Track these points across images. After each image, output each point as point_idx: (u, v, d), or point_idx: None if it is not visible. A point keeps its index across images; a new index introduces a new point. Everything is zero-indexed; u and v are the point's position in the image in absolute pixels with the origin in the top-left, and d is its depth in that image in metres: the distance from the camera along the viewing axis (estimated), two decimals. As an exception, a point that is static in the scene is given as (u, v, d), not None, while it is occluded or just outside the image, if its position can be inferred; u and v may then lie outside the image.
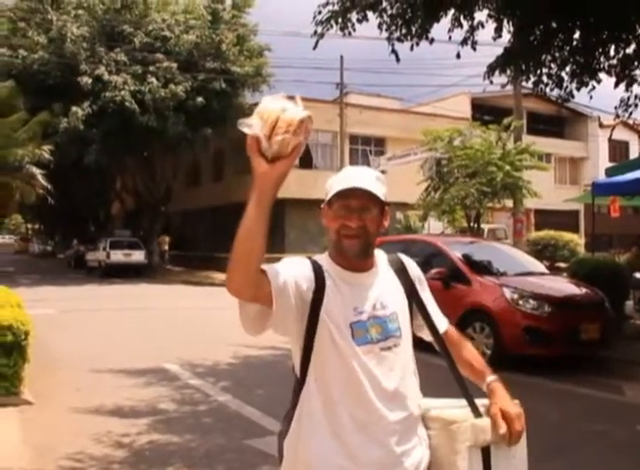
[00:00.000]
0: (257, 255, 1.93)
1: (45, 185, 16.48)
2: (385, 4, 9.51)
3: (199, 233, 41.81)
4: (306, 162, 33.15)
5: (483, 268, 10.96)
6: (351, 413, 2.13)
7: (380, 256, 2.37)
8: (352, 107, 34.34)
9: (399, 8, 9.46)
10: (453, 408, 2.32)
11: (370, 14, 9.74)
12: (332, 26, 10.18)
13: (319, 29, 9.81)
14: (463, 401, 2.31)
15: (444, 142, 21.29)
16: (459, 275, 10.61)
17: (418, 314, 2.37)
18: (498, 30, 9.94)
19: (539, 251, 27.49)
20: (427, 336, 2.44)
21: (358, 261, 2.23)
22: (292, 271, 2.09)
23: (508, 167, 19.48)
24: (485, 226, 26.91)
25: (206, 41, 30.56)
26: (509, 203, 22.39)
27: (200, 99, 29.66)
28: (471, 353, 2.46)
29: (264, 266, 1.99)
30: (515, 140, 21.79)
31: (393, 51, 9.83)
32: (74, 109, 27.64)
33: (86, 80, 28.00)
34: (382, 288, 2.26)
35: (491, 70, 10.53)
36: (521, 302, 9.77)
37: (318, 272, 2.18)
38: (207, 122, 30.72)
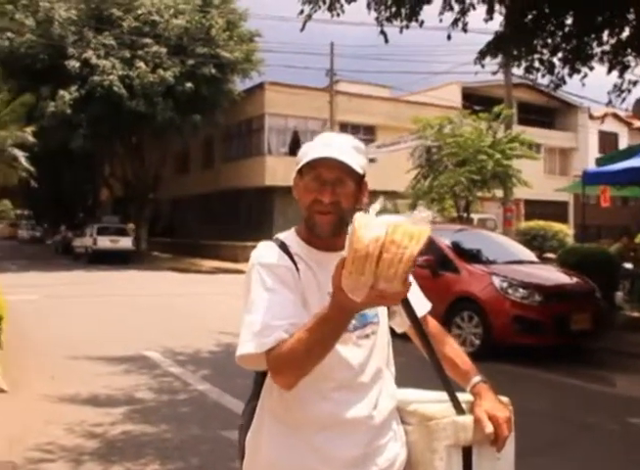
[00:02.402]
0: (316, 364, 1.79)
1: (28, 168, 16.17)
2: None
3: (187, 220, 41.57)
4: (295, 149, 32.90)
5: (472, 256, 10.77)
6: (318, 408, 1.92)
7: None
8: (342, 94, 34.05)
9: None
10: (433, 403, 2.11)
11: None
12: (319, 7, 9.94)
13: (306, 9, 9.56)
14: (444, 395, 2.10)
15: (434, 130, 21.10)
16: (447, 263, 10.41)
17: None
18: (490, 12, 9.72)
19: (528, 241, 27.28)
20: (399, 326, 2.21)
21: (331, 240, 2.00)
22: (289, 289, 1.91)
23: (498, 156, 19.34)
24: (475, 216, 26.71)
25: (196, 26, 30.19)
26: (499, 193, 22.25)
27: (189, 85, 29.33)
28: (453, 350, 2.21)
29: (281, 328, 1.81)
30: (505, 129, 21.63)
31: (382, 32, 9.59)
32: (62, 92, 27.27)
33: (74, 64, 27.65)
34: None
35: (482, 55, 10.32)
36: (510, 290, 9.58)
37: (290, 258, 1.97)
38: (197, 109, 30.43)
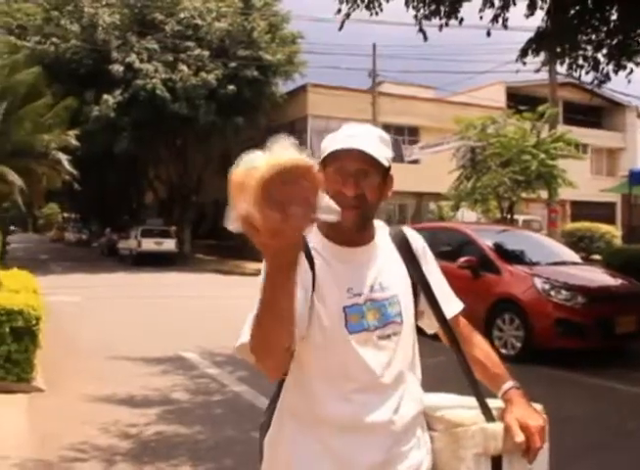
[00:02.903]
0: (289, 333, 1.58)
1: (71, 171, 16.38)
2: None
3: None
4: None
5: (515, 257, 10.55)
6: (338, 409, 1.82)
7: (380, 227, 2.03)
8: (385, 96, 33.86)
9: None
10: (461, 409, 2.00)
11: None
12: (358, 6, 9.84)
13: (343, 8, 9.47)
14: (474, 401, 1.99)
15: (477, 130, 20.83)
16: (489, 264, 10.21)
17: (422, 298, 2.02)
18: (531, 8, 9.49)
19: (574, 242, 26.80)
20: (428, 327, 2.10)
21: (353, 235, 1.91)
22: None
23: (543, 156, 19.00)
24: (520, 217, 26.36)
25: (238, 29, 30.31)
26: (544, 194, 21.89)
27: (231, 87, 29.42)
28: (484, 352, 2.10)
29: None
30: (550, 129, 21.25)
31: (421, 30, 9.45)
32: (106, 97, 27.60)
33: (117, 68, 27.97)
34: (381, 266, 1.93)
35: (524, 52, 10.10)
36: (552, 292, 9.34)
37: (307, 253, 1.85)
38: (239, 111, 30.51)
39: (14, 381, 7.31)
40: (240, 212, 1.34)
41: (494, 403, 1.99)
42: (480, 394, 1.97)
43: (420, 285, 2.00)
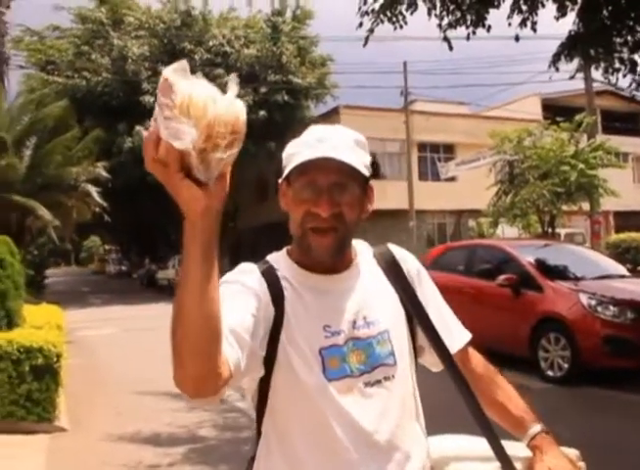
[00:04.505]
0: (216, 330, 1.25)
1: (101, 203, 16.35)
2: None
3: (270, 248, 41.32)
4: (374, 171, 32.51)
5: (558, 273, 10.03)
6: None
7: (360, 248, 1.68)
8: (419, 114, 33.47)
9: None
10: (476, 461, 1.62)
11: (420, 2, 9.01)
12: (381, 21, 9.52)
13: (365, 22, 9.15)
14: (489, 450, 1.60)
15: (513, 143, 20.35)
16: (530, 281, 9.70)
17: (420, 330, 1.65)
18: (561, 9, 9.05)
19: (620, 254, 25.93)
20: (432, 365, 1.71)
21: (328, 261, 1.55)
22: (243, 306, 1.42)
23: (582, 166, 18.40)
24: (562, 231, 25.65)
25: (267, 54, 30.36)
26: (586, 206, 21.26)
27: (262, 112, 29.40)
28: (504, 392, 1.71)
29: None
30: (588, 138, 20.66)
31: (445, 39, 9.07)
32: (138, 128, 27.72)
33: (148, 99, 28.10)
34: (365, 295, 1.57)
35: (556, 57, 9.66)
36: (599, 308, 8.81)
37: (273, 284, 1.51)
38: (271, 136, 30.38)
39: (35, 421, 7.04)
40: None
41: (516, 450, 1.61)
42: (497, 441, 1.59)
43: (415, 315, 1.62)
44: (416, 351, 1.65)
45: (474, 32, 9.33)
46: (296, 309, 1.49)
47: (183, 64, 1.17)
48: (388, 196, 31.11)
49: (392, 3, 9.14)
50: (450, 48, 9.04)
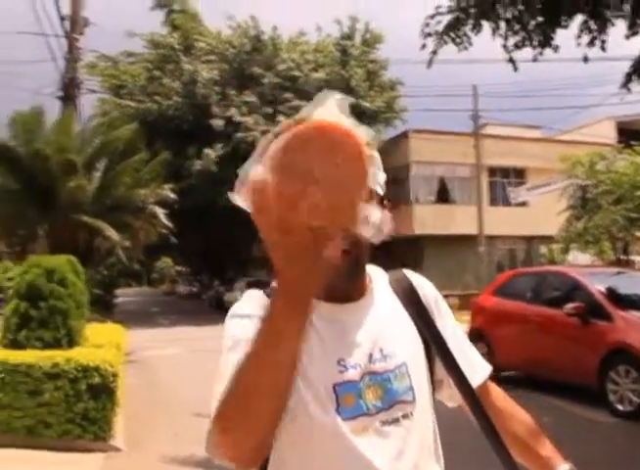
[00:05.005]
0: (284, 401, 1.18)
1: (167, 224, 16.57)
2: (498, 8, 8.53)
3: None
4: (443, 196, 32.15)
5: (630, 302, 9.58)
6: None
7: (376, 275, 1.53)
8: (489, 138, 32.99)
9: (514, 10, 8.47)
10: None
11: (484, 22, 8.83)
12: (445, 42, 9.38)
13: (429, 44, 9.02)
14: None
15: (585, 167, 19.82)
16: (599, 310, 9.32)
17: (439, 362, 1.50)
18: (632, 27, 8.72)
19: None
20: (449, 399, 1.57)
21: (342, 287, 1.41)
22: None
23: (658, 190, 17.79)
24: (637, 258, 24.82)
25: (336, 78, 30.48)
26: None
27: (330, 136, 29.43)
28: (528, 429, 1.56)
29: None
30: (665, 162, 19.96)
31: (511, 60, 8.86)
32: (207, 151, 28.14)
33: (218, 122, 28.51)
34: (381, 325, 1.43)
35: (628, 77, 9.33)
36: (674, 340, 8.40)
37: None
38: (340, 160, 30.44)
39: (91, 440, 7.07)
40: (253, 177, 0.99)
41: None
42: None
43: (435, 346, 1.48)
44: (434, 384, 1.51)
45: (540, 53, 9.10)
46: (309, 341, 1.36)
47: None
48: (457, 221, 30.72)
49: (456, 24, 8.99)
50: (515, 69, 8.84)
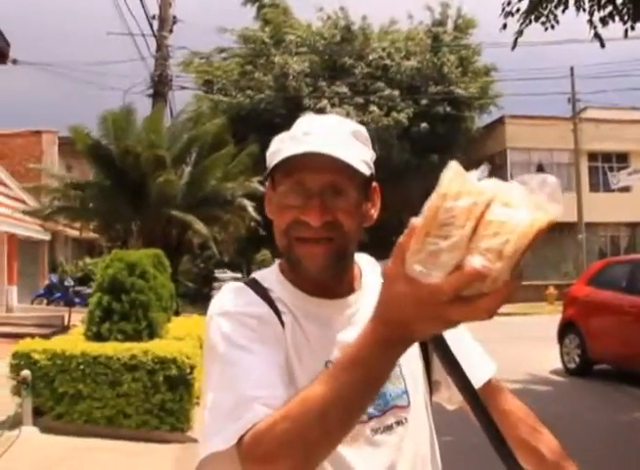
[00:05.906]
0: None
1: (255, 217, 16.68)
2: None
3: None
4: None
5: None
6: None
7: (366, 266, 1.38)
8: (588, 121, 31.73)
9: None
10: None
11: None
12: (530, 22, 8.99)
13: (510, 23, 8.66)
14: None
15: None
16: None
17: (437, 364, 1.32)
18: None
19: None
20: (448, 401, 1.41)
21: (327, 280, 1.27)
22: (266, 345, 1.19)
23: None
24: None
25: (428, 65, 30.11)
26: None
27: (424, 124, 29.15)
28: (538, 435, 1.37)
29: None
30: None
31: (597, 35, 8.38)
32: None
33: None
34: None
35: None
36: None
37: (274, 308, 1.26)
38: (433, 148, 29.93)
39: (168, 430, 7.15)
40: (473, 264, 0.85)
41: None
42: None
43: (431, 344, 1.29)
44: (431, 387, 1.35)
45: (632, 28, 8.57)
46: (296, 341, 1.24)
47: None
48: (554, 208, 29.71)
49: (542, 1, 8.58)
50: (602, 45, 8.36)
